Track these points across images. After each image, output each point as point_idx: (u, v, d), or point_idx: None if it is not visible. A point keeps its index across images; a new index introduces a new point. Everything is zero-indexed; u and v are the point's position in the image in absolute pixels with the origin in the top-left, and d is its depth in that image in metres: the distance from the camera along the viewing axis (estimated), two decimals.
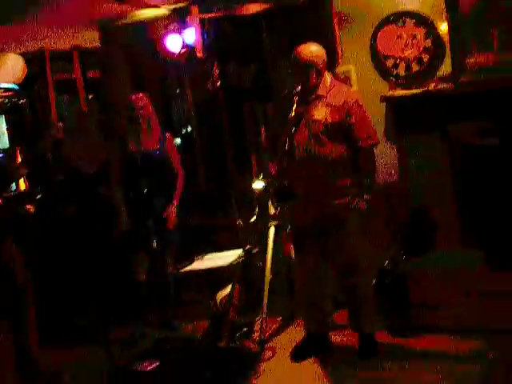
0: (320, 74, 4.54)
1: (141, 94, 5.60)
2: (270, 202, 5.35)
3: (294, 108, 4.43)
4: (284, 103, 4.70)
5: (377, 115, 5.61)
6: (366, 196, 4.53)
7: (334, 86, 4.61)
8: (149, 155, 5.43)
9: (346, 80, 5.73)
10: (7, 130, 6.55)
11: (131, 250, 5.67)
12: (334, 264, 4.76)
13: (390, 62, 5.54)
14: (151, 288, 5.69)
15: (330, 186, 4.53)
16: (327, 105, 4.53)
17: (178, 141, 7.34)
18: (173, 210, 5.62)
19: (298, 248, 4.85)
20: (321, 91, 4.56)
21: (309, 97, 4.54)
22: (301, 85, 4.48)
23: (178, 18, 5.93)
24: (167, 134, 5.73)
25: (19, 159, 5.89)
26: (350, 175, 4.56)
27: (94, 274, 5.81)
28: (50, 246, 6.01)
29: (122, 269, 5.91)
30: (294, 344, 5.00)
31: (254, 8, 5.44)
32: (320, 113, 4.52)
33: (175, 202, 5.64)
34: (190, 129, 7.23)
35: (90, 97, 6.92)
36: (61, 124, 5.99)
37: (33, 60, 6.29)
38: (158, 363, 4.96)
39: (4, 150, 6.40)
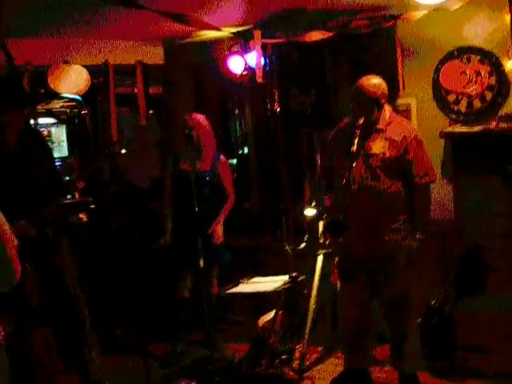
0: (381, 108, 4.50)
1: (199, 114, 5.63)
2: (320, 232, 5.31)
3: (356, 141, 4.36)
4: (340, 134, 4.67)
5: (435, 151, 5.51)
6: (418, 235, 4.46)
7: (393, 119, 4.56)
8: (200, 175, 5.42)
9: (406, 113, 5.66)
10: (67, 139, 6.72)
11: (176, 267, 5.67)
12: (383, 299, 4.69)
13: (451, 98, 5.44)
14: (194, 306, 5.68)
15: (383, 222, 4.47)
16: (386, 139, 4.47)
17: (233, 161, 7.37)
18: (219, 226, 5.62)
19: (345, 280, 4.78)
20: (380, 125, 4.50)
21: (368, 130, 4.48)
22: (362, 121, 4.42)
23: (241, 41, 5.96)
24: (221, 156, 5.73)
25: (77, 170, 6.02)
26: (405, 212, 4.50)
27: (138, 286, 5.84)
28: (99, 255, 6.07)
29: (166, 284, 5.93)
30: (333, 376, 4.95)
31: (317, 35, 5.41)
32: (378, 147, 4.46)
33: (221, 219, 5.63)
34: (246, 150, 7.24)
35: (151, 112, 6.99)
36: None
37: (97, 73, 6.42)
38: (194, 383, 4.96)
39: (63, 159, 6.55)
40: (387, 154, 4.43)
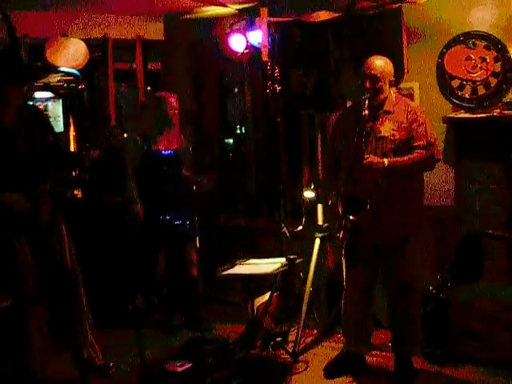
0: (387, 89, 4.46)
1: (172, 94, 5.71)
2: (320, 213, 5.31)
3: (366, 123, 4.36)
4: (344, 119, 4.62)
5: (437, 136, 5.48)
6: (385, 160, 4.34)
7: (400, 100, 4.52)
8: (170, 154, 5.64)
9: (409, 97, 5.60)
10: (63, 113, 6.63)
11: (150, 244, 5.75)
12: (390, 283, 4.64)
13: (455, 83, 5.39)
14: (172, 285, 5.83)
15: (395, 204, 4.42)
16: (394, 121, 4.44)
17: (230, 140, 7.32)
18: None
19: (353, 264, 4.70)
20: (387, 106, 4.47)
21: (375, 113, 4.44)
22: (369, 99, 4.37)
23: (245, 18, 5.88)
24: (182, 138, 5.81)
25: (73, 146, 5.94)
26: (417, 194, 4.51)
27: (120, 263, 5.79)
28: (89, 232, 5.96)
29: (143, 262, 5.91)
30: (328, 359, 4.94)
31: (323, 16, 5.31)
32: (387, 129, 4.43)
33: None
34: (244, 130, 7.17)
35: (149, 89, 6.91)
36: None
37: (95, 47, 6.34)
38: (189, 365, 4.93)
39: (59, 134, 6.46)
40: (397, 136, 4.40)
